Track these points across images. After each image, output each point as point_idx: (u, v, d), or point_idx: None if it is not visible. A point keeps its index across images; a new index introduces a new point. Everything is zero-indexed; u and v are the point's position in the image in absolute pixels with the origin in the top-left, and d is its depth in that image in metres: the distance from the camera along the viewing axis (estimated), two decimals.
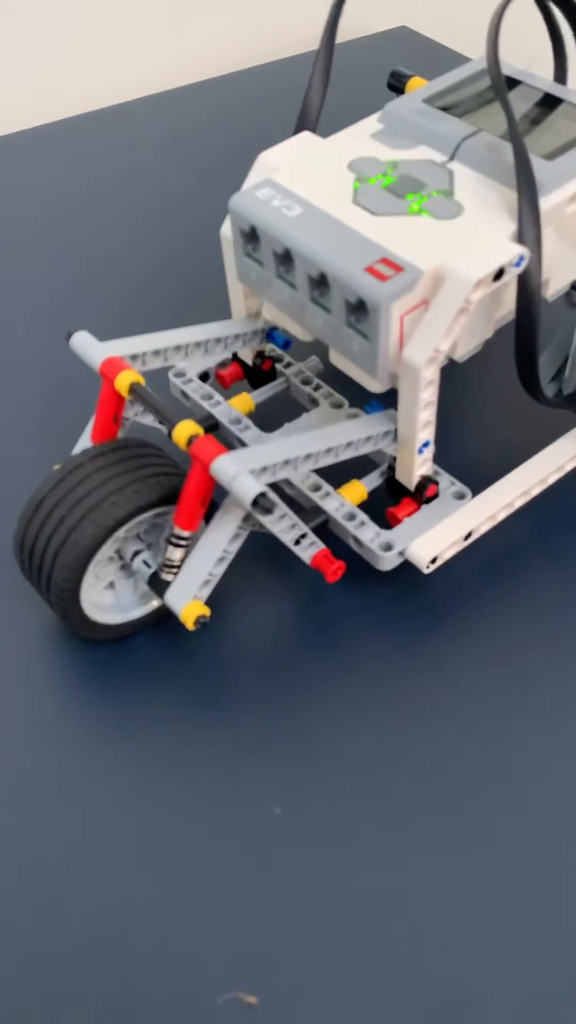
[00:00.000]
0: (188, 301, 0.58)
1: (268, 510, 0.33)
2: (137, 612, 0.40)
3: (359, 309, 0.35)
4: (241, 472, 0.34)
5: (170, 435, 0.40)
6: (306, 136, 0.41)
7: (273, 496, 0.34)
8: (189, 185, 0.67)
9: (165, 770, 0.36)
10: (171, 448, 0.42)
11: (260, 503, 0.33)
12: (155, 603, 0.41)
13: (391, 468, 0.41)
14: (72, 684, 0.39)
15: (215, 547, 0.36)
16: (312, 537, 0.38)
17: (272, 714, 0.38)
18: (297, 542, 0.37)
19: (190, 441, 0.35)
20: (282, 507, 0.35)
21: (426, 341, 0.34)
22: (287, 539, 0.37)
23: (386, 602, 0.42)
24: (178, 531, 0.36)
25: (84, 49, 0.77)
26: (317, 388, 0.46)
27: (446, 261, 0.34)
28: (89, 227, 0.64)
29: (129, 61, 0.80)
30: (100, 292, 0.59)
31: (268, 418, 0.45)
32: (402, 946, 0.32)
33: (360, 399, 0.45)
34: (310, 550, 0.38)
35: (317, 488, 0.41)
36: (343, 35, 0.85)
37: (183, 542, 0.37)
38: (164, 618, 0.41)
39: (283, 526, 0.36)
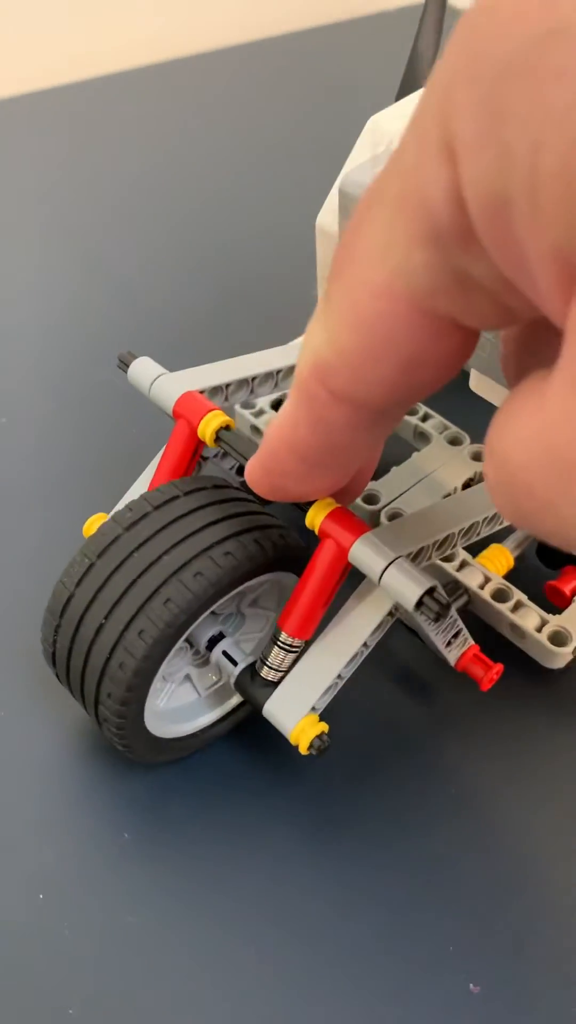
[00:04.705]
0: (216, 319, 0.47)
1: (441, 615, 0.23)
2: (214, 714, 0.29)
3: None
4: (397, 559, 0.24)
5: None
6: None
7: (441, 591, 0.24)
8: (205, 161, 0.57)
9: (256, 932, 0.26)
10: None
11: (428, 604, 0.23)
12: (233, 701, 0.30)
13: None
14: (131, 814, 0.29)
15: (350, 639, 0.26)
16: (464, 633, 0.28)
17: (409, 857, 0.28)
18: (449, 642, 0.27)
19: None
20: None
21: None
22: (440, 640, 0.27)
23: (545, 706, 0.32)
24: (286, 638, 0.26)
25: (85, 9, 0.66)
26: (425, 419, 0.36)
27: None
28: (91, 215, 0.53)
29: (132, 25, 0.69)
30: (108, 301, 0.48)
31: None
32: None
33: (481, 432, 0.35)
34: (458, 650, 0.28)
35: (449, 557, 0.31)
36: (375, 6, 0.75)
37: (294, 649, 0.27)
38: (246, 722, 0.30)
39: (444, 624, 0.26)
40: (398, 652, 0.32)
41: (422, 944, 0.26)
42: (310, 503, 0.25)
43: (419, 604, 0.23)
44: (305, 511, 0.25)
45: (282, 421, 0.20)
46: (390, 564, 0.24)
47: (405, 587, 0.23)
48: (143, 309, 0.47)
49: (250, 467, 0.23)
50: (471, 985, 0.26)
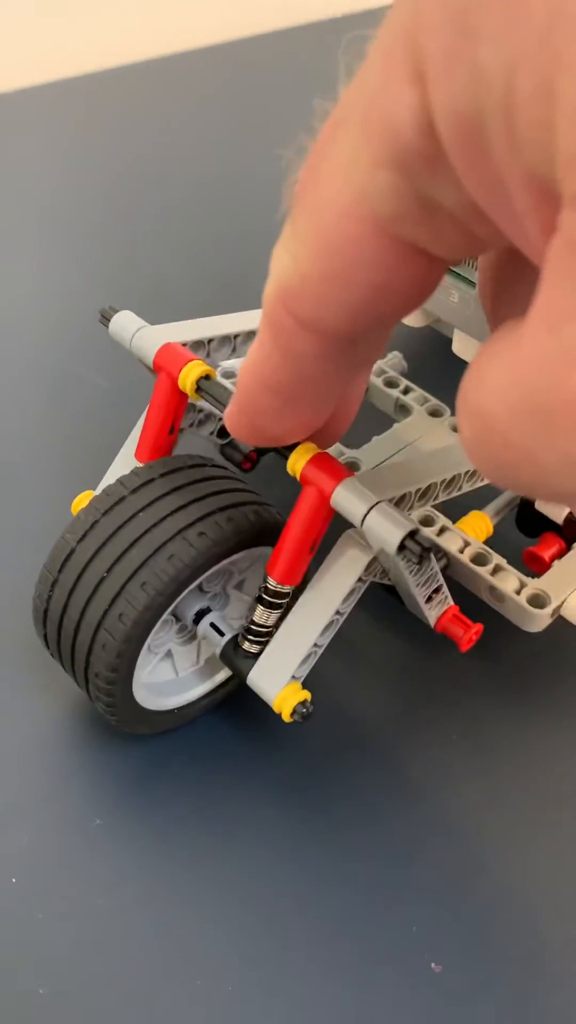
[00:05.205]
0: (201, 291, 0.47)
1: (423, 557, 0.23)
2: (199, 689, 0.30)
3: None
4: (379, 503, 0.24)
5: (252, 459, 0.29)
6: None
7: (424, 535, 0.24)
8: (196, 153, 0.57)
9: (243, 910, 0.26)
10: None
11: (410, 548, 0.23)
12: (220, 676, 0.30)
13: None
14: (107, 798, 0.28)
15: (323, 608, 0.26)
16: (445, 590, 0.28)
17: (397, 840, 0.28)
18: (429, 598, 0.27)
19: None
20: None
21: None
22: (421, 593, 0.27)
23: (525, 666, 0.32)
24: (274, 585, 0.26)
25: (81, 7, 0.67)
26: (407, 391, 0.36)
27: None
28: (86, 199, 0.53)
29: (128, 22, 0.70)
30: (100, 275, 0.48)
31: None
32: None
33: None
34: (438, 608, 0.28)
35: (429, 522, 0.31)
36: (346, 7, 0.76)
37: (281, 601, 0.26)
38: (234, 695, 0.30)
39: (425, 576, 0.26)
40: (376, 641, 0.32)
41: (386, 924, 0.26)
42: (291, 449, 0.25)
43: (401, 547, 0.23)
44: (287, 458, 0.25)
45: (253, 357, 0.20)
46: (372, 508, 0.23)
47: (387, 531, 0.23)
48: (140, 305, 0.46)
49: (228, 411, 0.22)
50: (433, 964, 0.25)
